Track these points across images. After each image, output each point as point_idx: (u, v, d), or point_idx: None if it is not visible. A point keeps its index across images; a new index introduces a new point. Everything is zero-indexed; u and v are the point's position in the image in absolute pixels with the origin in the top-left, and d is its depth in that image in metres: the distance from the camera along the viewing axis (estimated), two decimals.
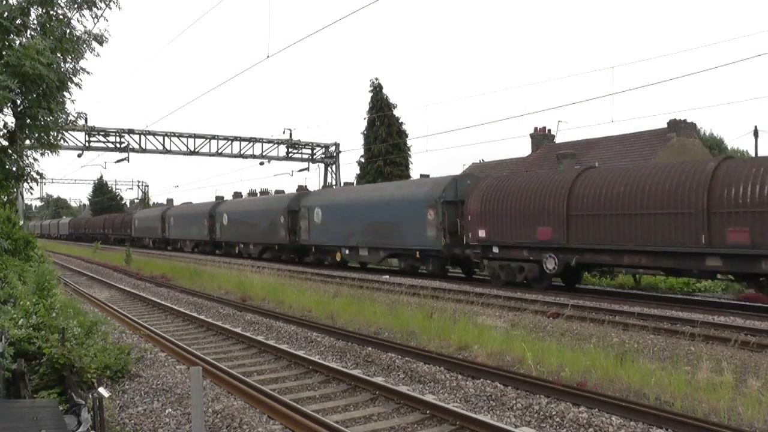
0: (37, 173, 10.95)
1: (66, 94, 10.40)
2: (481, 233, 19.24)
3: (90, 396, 5.83)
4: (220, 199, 45.48)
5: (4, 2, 9.26)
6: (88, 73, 10.61)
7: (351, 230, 25.36)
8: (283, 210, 30.52)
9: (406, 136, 41.87)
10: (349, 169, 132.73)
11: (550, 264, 17.20)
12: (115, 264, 31.90)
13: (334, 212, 27.03)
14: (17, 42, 9.28)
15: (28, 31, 9.76)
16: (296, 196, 31.32)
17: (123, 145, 38.24)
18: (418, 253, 22.02)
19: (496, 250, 18.95)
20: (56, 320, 8.53)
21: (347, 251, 25.97)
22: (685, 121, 30.84)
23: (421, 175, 33.46)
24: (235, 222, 36.51)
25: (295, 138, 42.80)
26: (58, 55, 9.75)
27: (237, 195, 49.44)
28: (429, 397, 7.55)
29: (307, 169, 44.97)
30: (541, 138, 36.87)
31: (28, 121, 9.99)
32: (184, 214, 45.58)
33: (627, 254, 15.34)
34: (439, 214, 20.83)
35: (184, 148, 39.98)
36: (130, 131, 38.15)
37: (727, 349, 9.68)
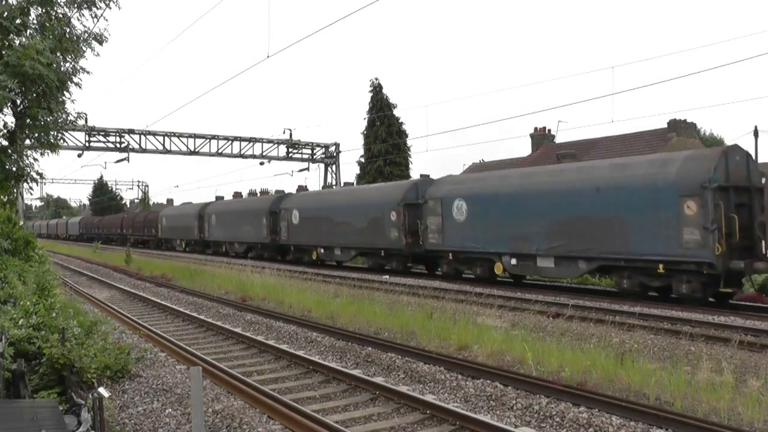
0: (37, 173, 10.94)
1: (66, 93, 10.39)
2: None
3: (90, 396, 5.84)
4: (281, 193, 38.04)
5: (4, 2, 9.25)
6: (87, 72, 10.60)
7: (522, 230, 18.11)
8: (396, 204, 23.43)
9: (406, 136, 41.88)
10: (349, 169, 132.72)
11: None
12: (115, 264, 31.91)
13: (488, 205, 19.49)
14: (17, 42, 9.27)
15: (28, 31, 9.75)
16: (413, 185, 23.82)
17: (123, 145, 38.23)
18: (661, 266, 14.64)
19: None
20: (56, 320, 8.53)
21: (513, 261, 18.60)
22: (685, 121, 30.86)
23: (422, 175, 33.21)
24: (313, 220, 29.08)
25: (295, 138, 42.80)
26: (58, 54, 9.74)
27: (237, 195, 49.12)
28: (429, 397, 7.55)
29: (307, 169, 45.00)
30: (541, 138, 36.88)
31: (28, 121, 9.98)
32: (234, 210, 37.46)
33: None
34: (708, 207, 13.68)
35: (184, 148, 39.97)
36: (130, 131, 38.15)
37: (727, 349, 9.68)
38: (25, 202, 46.33)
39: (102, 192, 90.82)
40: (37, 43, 8.79)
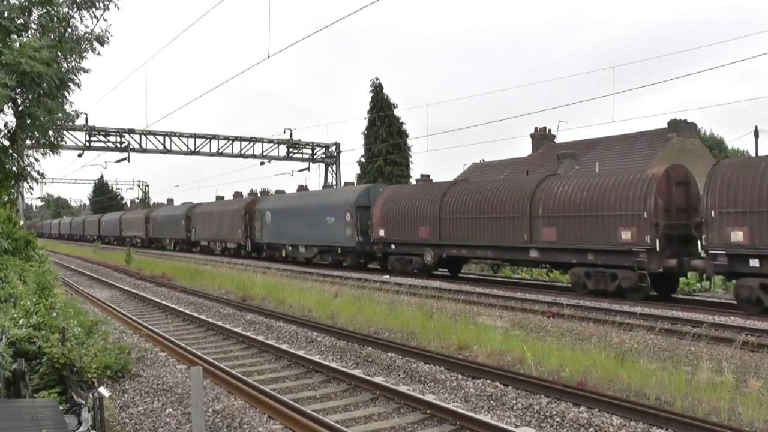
0: (38, 173, 10.95)
1: (66, 94, 10.39)
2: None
3: (90, 396, 5.83)
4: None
5: (5, 2, 9.24)
6: (86, 71, 10.60)
7: None
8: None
9: (407, 136, 41.90)
10: (350, 169, 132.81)
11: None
12: (115, 264, 31.89)
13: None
14: (17, 42, 9.27)
15: (29, 31, 9.75)
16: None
17: (123, 145, 38.23)
18: None
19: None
20: (56, 320, 8.53)
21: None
22: (685, 121, 30.85)
23: (422, 175, 33.39)
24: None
25: (295, 138, 42.80)
26: (58, 54, 9.74)
27: (237, 195, 48.91)
28: (429, 397, 7.55)
29: (308, 169, 45.01)
30: (541, 138, 36.88)
31: (28, 120, 9.99)
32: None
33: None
34: None
35: (184, 148, 39.96)
36: (131, 131, 38.15)
37: (727, 349, 9.68)
38: (26, 201, 46.23)
39: (102, 192, 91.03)
40: (33, 41, 8.78)
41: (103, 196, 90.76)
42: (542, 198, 17.62)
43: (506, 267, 23.01)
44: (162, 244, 49.47)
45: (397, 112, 41.37)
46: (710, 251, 13.98)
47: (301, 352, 10.05)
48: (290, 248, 30.98)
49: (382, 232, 23.48)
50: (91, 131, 37.08)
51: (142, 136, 38.55)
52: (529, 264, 20.10)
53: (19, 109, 9.94)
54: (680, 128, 30.38)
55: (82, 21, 10.40)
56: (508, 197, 18.65)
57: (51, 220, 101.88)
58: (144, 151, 38.96)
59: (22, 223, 21.54)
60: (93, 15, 10.38)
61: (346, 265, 26.58)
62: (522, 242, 18.02)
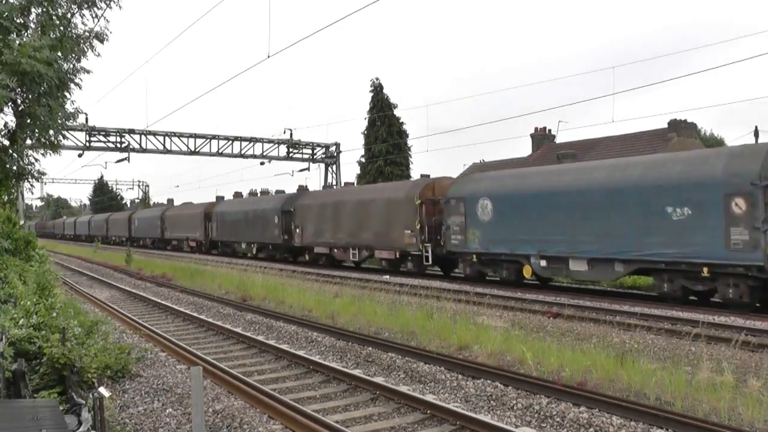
0: (38, 173, 10.95)
1: (66, 93, 10.39)
2: None
3: (90, 396, 5.83)
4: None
5: (4, 2, 9.24)
6: (87, 72, 10.60)
7: None
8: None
9: (407, 136, 41.90)
10: (350, 169, 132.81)
11: None
12: (116, 264, 31.90)
13: None
14: (17, 42, 9.26)
15: (29, 30, 9.74)
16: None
17: (123, 145, 38.20)
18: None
19: None
20: (57, 320, 8.54)
21: None
22: (685, 121, 30.83)
23: (422, 175, 33.48)
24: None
25: (295, 138, 42.79)
26: (59, 54, 9.74)
27: (238, 195, 48.87)
28: (429, 397, 7.55)
29: (308, 169, 44.99)
30: (541, 138, 36.87)
31: (29, 120, 9.98)
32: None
33: None
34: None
35: (184, 148, 39.94)
36: (131, 131, 38.12)
37: (727, 349, 9.68)
38: (26, 201, 46.20)
39: (102, 192, 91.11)
40: (34, 41, 8.78)
41: (103, 196, 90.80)
42: None
43: None
44: (232, 248, 38.18)
45: (397, 112, 41.41)
46: None
47: (301, 352, 10.05)
48: (543, 263, 17.51)
49: None
50: (91, 131, 37.05)
51: (142, 136, 38.53)
52: None
53: (19, 109, 9.94)
54: (680, 128, 30.37)
55: (82, 20, 10.41)
56: None
57: (65, 219, 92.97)
58: (144, 151, 38.94)
59: (22, 222, 21.55)
60: (94, 14, 10.38)
61: (731, 302, 13.54)
62: None
